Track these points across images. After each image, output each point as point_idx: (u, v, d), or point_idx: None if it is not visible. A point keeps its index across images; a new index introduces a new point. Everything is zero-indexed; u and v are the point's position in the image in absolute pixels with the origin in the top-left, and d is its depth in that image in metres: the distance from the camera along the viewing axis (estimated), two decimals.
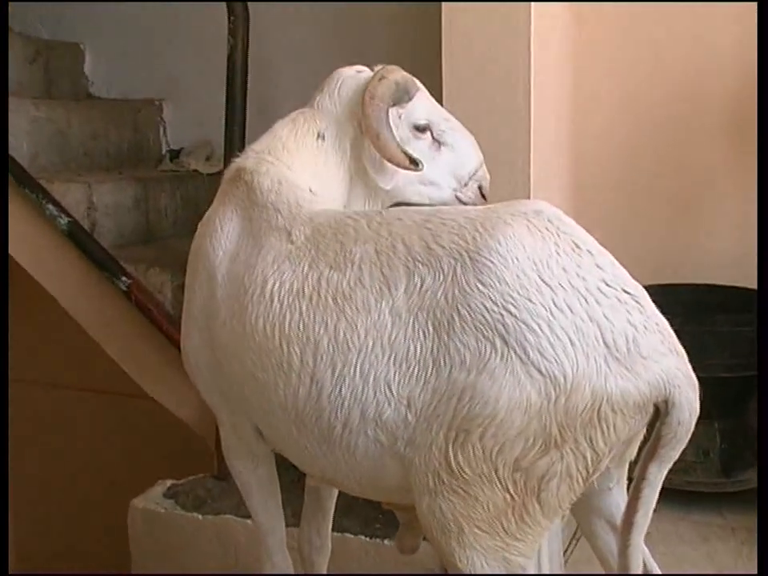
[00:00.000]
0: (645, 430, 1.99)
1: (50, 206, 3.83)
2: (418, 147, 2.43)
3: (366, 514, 3.37)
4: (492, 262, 1.93)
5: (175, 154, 5.00)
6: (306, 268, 2.13)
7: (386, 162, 2.37)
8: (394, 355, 1.97)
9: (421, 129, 2.44)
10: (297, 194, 2.32)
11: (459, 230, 2.00)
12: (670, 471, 1.96)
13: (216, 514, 3.52)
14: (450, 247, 1.98)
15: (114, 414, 4.75)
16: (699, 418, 1.93)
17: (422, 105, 2.45)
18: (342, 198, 2.43)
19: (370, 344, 1.99)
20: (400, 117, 2.41)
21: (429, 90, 2.49)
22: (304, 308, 2.08)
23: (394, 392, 1.97)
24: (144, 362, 3.85)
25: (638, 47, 3.87)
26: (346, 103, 2.42)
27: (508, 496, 1.92)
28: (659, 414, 1.92)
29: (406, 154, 2.34)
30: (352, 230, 2.13)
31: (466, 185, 2.49)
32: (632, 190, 3.97)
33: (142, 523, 3.61)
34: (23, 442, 4.73)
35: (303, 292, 2.10)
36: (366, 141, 2.38)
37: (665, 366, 1.90)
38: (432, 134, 2.46)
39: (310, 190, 2.34)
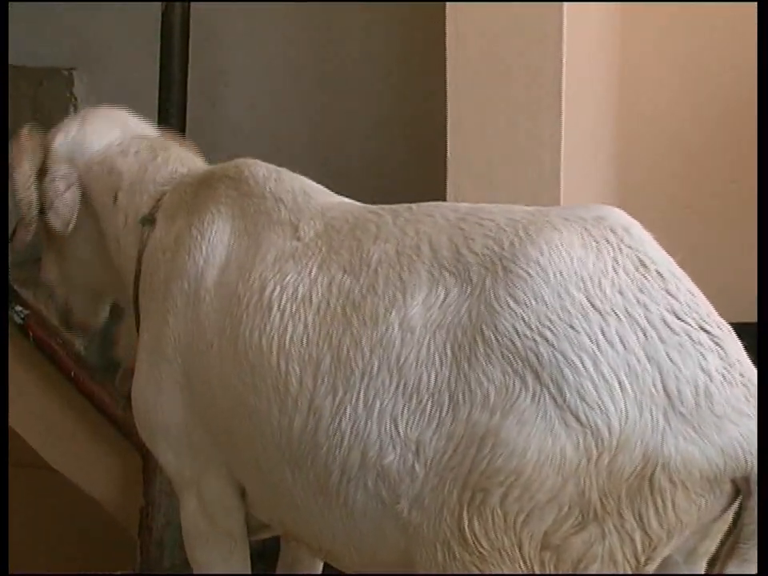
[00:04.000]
0: (727, 517, 1.95)
1: None
2: None
3: None
4: (529, 275, 1.95)
5: None
6: (314, 270, 2.19)
7: None
8: (403, 383, 2.01)
9: None
10: (303, 182, 2.42)
11: (497, 233, 2.04)
12: None
13: None
14: (482, 253, 2.02)
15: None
16: None
17: None
18: None
19: (375, 365, 2.04)
20: None
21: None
22: (310, 319, 2.15)
23: (400, 432, 2.00)
24: (46, 421, 3.76)
25: (691, 29, 3.81)
26: None
27: None
28: (739, 494, 1.88)
29: None
30: (373, 225, 2.19)
31: None
32: (690, 196, 3.90)
33: None
34: None
35: (310, 299, 2.16)
36: None
37: (746, 430, 1.85)
38: None
39: None
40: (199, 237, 2.41)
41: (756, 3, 2.41)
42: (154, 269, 2.54)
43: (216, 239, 2.39)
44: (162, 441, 2.49)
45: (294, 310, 2.18)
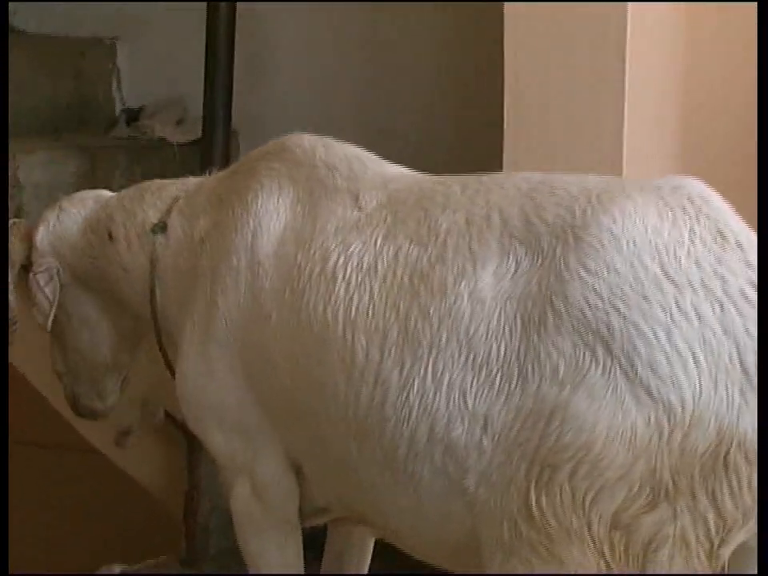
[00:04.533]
0: None
1: None
2: None
3: None
4: (601, 244, 1.95)
5: (134, 115, 4.80)
6: (379, 240, 2.20)
7: None
8: (472, 356, 2.01)
9: None
10: (354, 150, 2.44)
11: (569, 201, 2.04)
12: None
13: None
14: (553, 222, 2.03)
15: (49, 473, 4.56)
16: None
17: None
18: None
19: (444, 337, 2.05)
20: None
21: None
22: (376, 289, 2.15)
23: (469, 405, 2.00)
24: None
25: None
26: None
27: (603, 563, 1.90)
28: None
29: None
30: (441, 196, 2.20)
31: None
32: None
33: None
34: None
35: (376, 269, 2.17)
36: None
37: None
38: None
39: None
40: (244, 213, 2.42)
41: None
42: (191, 261, 2.57)
43: (263, 211, 2.40)
44: (213, 426, 2.51)
45: (359, 280, 2.18)
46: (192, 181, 2.76)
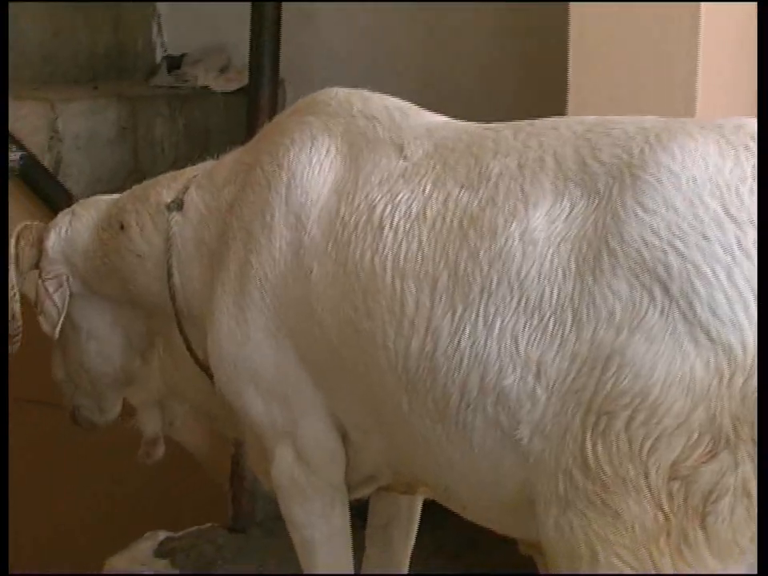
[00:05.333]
0: None
1: None
2: None
3: (451, 569, 3.52)
4: (659, 181, 1.94)
5: (176, 63, 4.87)
6: (428, 187, 2.20)
7: None
8: (524, 299, 2.01)
9: None
10: (394, 101, 2.43)
11: (626, 141, 2.04)
12: None
13: None
14: (610, 162, 2.02)
15: (93, 439, 4.29)
16: None
17: None
18: None
19: (494, 280, 2.05)
20: None
21: None
22: (425, 235, 2.16)
23: (521, 351, 2.01)
24: None
25: None
26: None
27: (661, 515, 1.89)
28: None
29: None
30: (491, 141, 2.20)
31: None
32: None
33: None
34: None
35: (425, 216, 2.17)
36: None
37: None
38: None
39: None
40: (276, 168, 2.42)
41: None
42: (218, 230, 2.56)
43: (295, 164, 2.40)
44: (251, 392, 2.50)
45: (407, 227, 2.18)
46: (209, 162, 2.74)
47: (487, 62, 4.05)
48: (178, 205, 2.64)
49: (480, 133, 2.26)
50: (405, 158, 2.29)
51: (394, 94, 2.50)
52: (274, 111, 3.52)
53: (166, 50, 4.93)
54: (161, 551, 3.64)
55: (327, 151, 2.40)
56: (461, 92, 3.96)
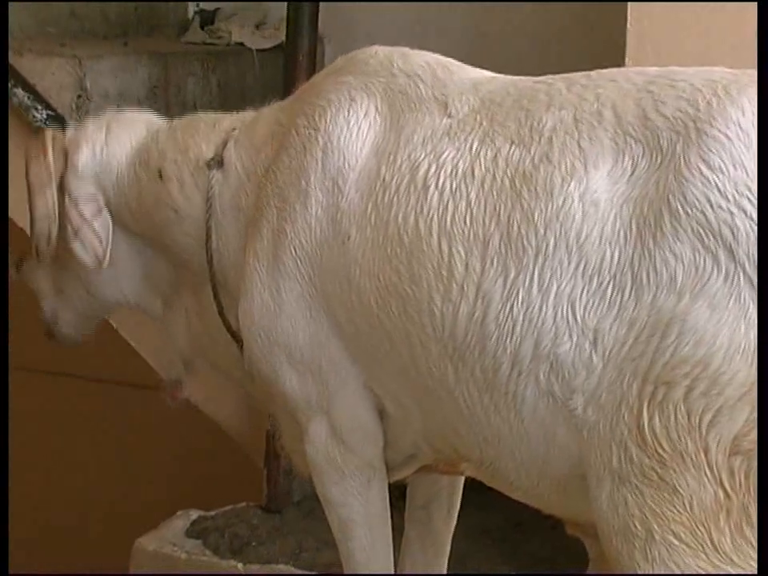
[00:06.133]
0: None
1: (20, 92, 3.77)
2: None
3: (496, 551, 3.50)
4: (727, 137, 1.91)
5: (209, 18, 4.85)
6: (475, 144, 2.18)
7: None
8: (583, 263, 2.00)
9: None
10: (436, 57, 2.40)
11: (691, 93, 2.00)
12: None
13: (264, 562, 3.56)
14: (673, 117, 1.99)
15: (124, 414, 4.68)
16: None
17: None
18: None
19: (551, 243, 2.03)
20: None
21: None
22: (473, 195, 2.14)
23: (578, 318, 2.00)
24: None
25: None
26: None
27: (721, 492, 1.89)
28: None
29: None
30: (544, 94, 2.17)
31: None
32: None
33: (153, 573, 3.62)
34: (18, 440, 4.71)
35: (472, 174, 2.15)
36: None
37: None
38: None
39: None
40: (311, 131, 2.41)
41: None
42: (253, 196, 2.54)
43: (332, 126, 2.39)
44: (285, 364, 2.49)
45: (454, 187, 2.17)
46: (249, 113, 2.70)
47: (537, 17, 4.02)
48: (218, 162, 2.61)
49: (530, 86, 2.23)
50: (449, 115, 2.27)
51: (439, 51, 2.46)
52: (312, 70, 3.49)
53: (198, 5, 4.90)
54: (193, 531, 3.66)
55: (366, 112, 2.38)
56: (512, 55, 3.90)
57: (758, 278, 1.93)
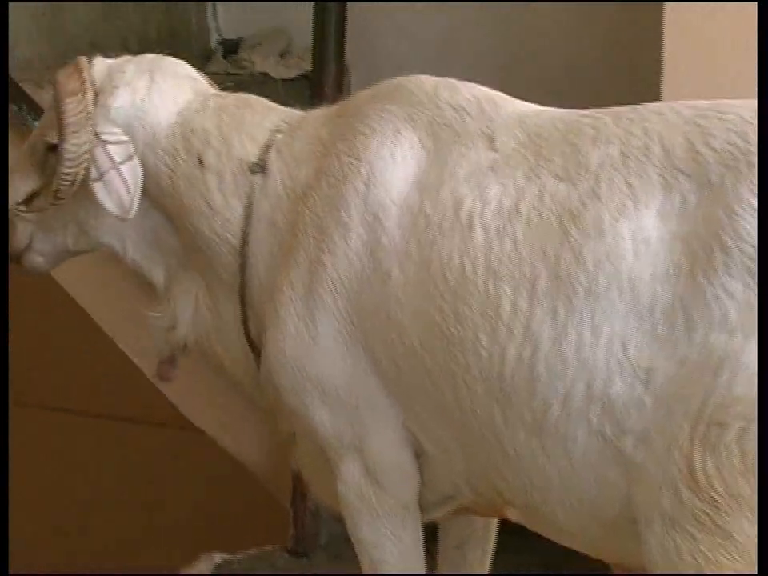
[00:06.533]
0: None
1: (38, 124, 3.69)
2: None
3: None
4: None
5: (232, 48, 4.93)
6: (520, 180, 2.19)
7: None
8: (635, 302, 2.01)
9: None
10: (484, 90, 2.39)
11: (742, 125, 2.00)
12: None
13: None
14: (722, 149, 2.00)
15: (145, 452, 4.61)
16: None
17: None
18: None
19: (602, 282, 2.04)
20: None
21: None
22: (519, 233, 2.15)
23: (630, 357, 2.00)
24: (190, 381, 3.61)
25: None
26: None
27: None
28: None
29: None
30: (590, 128, 2.18)
31: None
32: None
33: None
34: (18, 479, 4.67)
35: (518, 212, 2.16)
36: None
37: None
38: None
39: None
40: (355, 161, 2.40)
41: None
42: (290, 217, 2.51)
43: (375, 158, 2.38)
44: (316, 400, 2.47)
45: (499, 225, 2.17)
46: (295, 112, 2.66)
47: (571, 47, 4.03)
48: (262, 167, 2.56)
49: (577, 120, 2.23)
50: (495, 149, 2.27)
51: (464, 78, 2.45)
52: (338, 100, 3.47)
53: (221, 34, 4.98)
54: (219, 573, 3.71)
55: (410, 145, 2.37)
56: (543, 81, 3.87)
57: (758, 277, 1.94)
